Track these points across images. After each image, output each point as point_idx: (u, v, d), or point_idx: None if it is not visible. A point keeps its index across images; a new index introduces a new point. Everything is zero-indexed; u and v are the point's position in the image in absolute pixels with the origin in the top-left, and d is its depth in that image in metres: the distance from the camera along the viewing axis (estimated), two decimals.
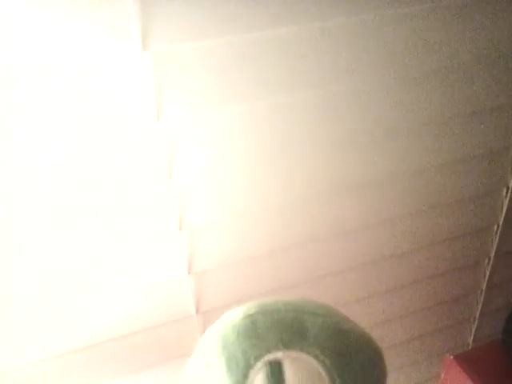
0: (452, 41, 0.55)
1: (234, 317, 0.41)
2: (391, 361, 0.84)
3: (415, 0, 0.50)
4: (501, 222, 0.75)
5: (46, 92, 0.42)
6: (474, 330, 0.89)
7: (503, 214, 0.75)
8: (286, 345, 0.38)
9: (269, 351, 0.37)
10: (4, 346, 0.53)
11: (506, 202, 0.73)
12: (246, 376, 0.37)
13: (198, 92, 0.47)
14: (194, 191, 0.53)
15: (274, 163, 0.55)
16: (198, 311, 0.61)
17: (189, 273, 0.57)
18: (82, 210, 0.49)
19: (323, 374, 0.37)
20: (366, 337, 0.42)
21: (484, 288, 0.83)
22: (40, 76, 0.41)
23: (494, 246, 0.78)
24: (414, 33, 0.53)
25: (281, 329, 0.39)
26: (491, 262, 0.80)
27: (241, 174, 0.54)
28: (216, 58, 0.46)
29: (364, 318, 0.75)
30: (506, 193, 0.73)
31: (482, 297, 0.84)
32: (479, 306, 0.85)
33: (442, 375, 0.74)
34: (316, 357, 0.37)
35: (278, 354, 0.37)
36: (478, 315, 0.86)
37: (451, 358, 0.71)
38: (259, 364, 0.37)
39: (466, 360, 0.70)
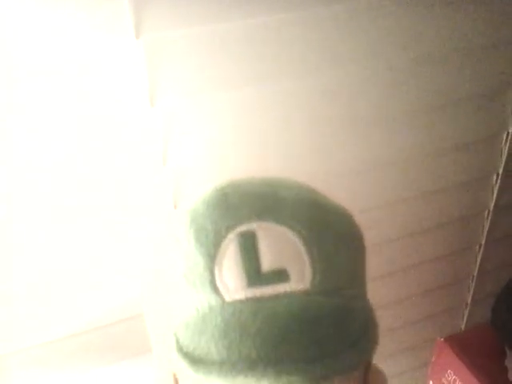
0: (443, 28, 0.56)
1: (204, 192, 0.38)
2: (383, 347, 0.85)
3: None
4: (491, 208, 0.76)
5: (38, 81, 0.42)
6: (466, 315, 0.89)
7: (494, 200, 0.75)
8: (260, 216, 0.35)
9: (241, 222, 0.35)
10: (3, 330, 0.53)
11: (496, 188, 0.74)
12: (216, 247, 0.34)
13: (191, 78, 0.47)
14: (188, 177, 0.53)
15: (268, 148, 0.55)
16: None
17: None
18: (76, 197, 0.49)
19: (299, 244, 0.34)
20: (345, 212, 0.40)
21: (475, 274, 0.84)
22: (32, 65, 0.41)
23: (485, 232, 0.79)
24: (405, 20, 0.53)
25: (254, 200, 0.36)
26: (482, 248, 0.81)
27: (235, 160, 0.54)
28: (209, 44, 0.47)
29: None
30: (496, 179, 0.74)
31: (474, 283, 0.85)
32: (471, 292, 0.86)
33: (433, 358, 0.75)
34: (292, 227, 0.35)
35: (251, 225, 0.34)
36: (470, 301, 0.87)
37: (442, 340, 0.72)
38: (231, 235, 0.34)
39: (457, 342, 0.71)
